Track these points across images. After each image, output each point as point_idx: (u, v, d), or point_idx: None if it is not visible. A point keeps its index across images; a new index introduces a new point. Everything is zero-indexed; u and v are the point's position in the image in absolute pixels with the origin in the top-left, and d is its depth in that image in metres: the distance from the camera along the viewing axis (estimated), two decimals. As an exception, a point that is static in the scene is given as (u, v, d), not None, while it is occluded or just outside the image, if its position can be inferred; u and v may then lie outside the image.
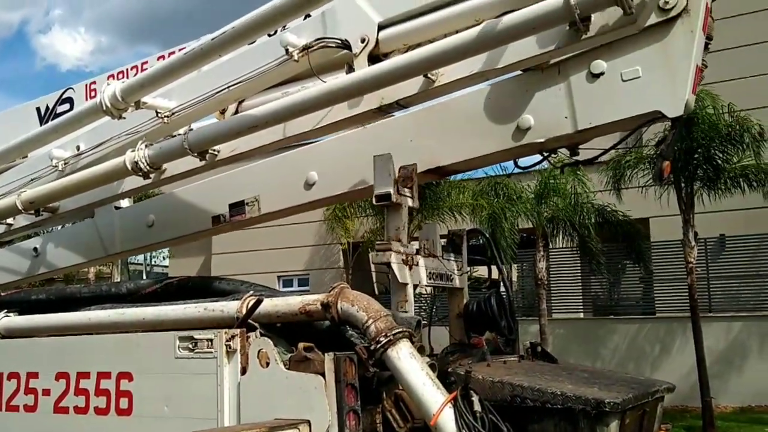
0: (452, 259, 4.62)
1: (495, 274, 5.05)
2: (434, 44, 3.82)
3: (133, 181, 5.27)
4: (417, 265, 4.16)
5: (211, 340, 3.58)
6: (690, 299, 13.42)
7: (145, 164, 4.77)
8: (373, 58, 4.16)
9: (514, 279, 18.30)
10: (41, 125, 6.13)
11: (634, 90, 3.82)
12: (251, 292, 3.96)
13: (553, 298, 17.34)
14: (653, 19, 3.64)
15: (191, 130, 4.78)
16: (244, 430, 3.03)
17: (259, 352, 3.49)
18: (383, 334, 3.34)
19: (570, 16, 3.44)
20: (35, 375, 4.23)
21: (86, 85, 5.92)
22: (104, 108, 4.67)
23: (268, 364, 3.45)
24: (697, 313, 13.33)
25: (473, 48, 3.73)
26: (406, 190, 4.15)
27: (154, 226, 5.69)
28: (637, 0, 3.47)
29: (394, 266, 3.97)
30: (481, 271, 5.11)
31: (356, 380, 3.30)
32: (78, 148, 5.46)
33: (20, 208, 5.43)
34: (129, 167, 4.82)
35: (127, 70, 5.70)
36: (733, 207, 14.47)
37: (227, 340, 3.55)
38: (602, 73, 3.89)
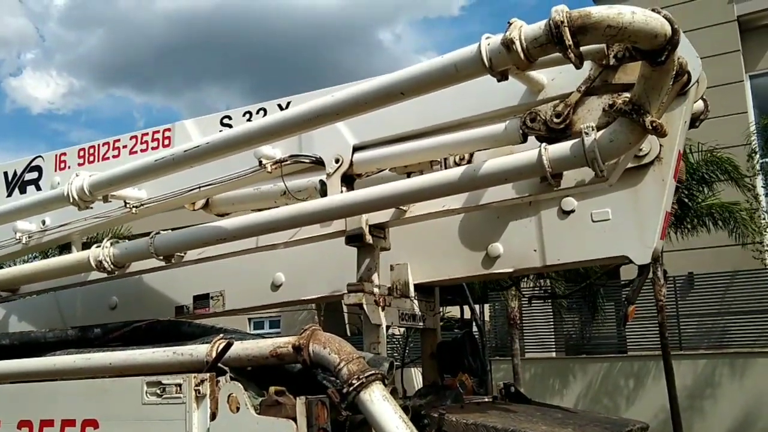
0: (424, 299, 4.61)
1: (467, 315, 5.07)
2: (409, 180, 3.84)
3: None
4: (389, 306, 4.14)
5: (180, 385, 3.50)
6: (661, 337, 13.51)
7: (110, 263, 4.78)
8: (346, 177, 4.17)
9: (487, 319, 18.33)
10: (7, 190, 6.03)
11: (603, 232, 3.92)
12: (221, 335, 3.91)
13: (525, 337, 17.36)
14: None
15: (158, 233, 4.73)
16: (214, 478, 2.95)
17: (229, 396, 3.42)
18: (356, 376, 3.29)
19: (542, 172, 3.41)
20: (-3, 423, 4.10)
21: (56, 156, 5.79)
22: (71, 200, 4.63)
23: (238, 408, 3.37)
24: (668, 351, 13.40)
25: (447, 189, 3.71)
26: (379, 231, 4.16)
27: (117, 309, 5.65)
28: (609, 162, 3.40)
29: (366, 307, 3.95)
30: (454, 312, 5.14)
31: (328, 424, 3.24)
32: (44, 222, 5.40)
33: None
34: (93, 264, 4.82)
35: (98, 145, 5.59)
36: (700, 245, 14.68)
37: (196, 385, 3.47)
38: (573, 211, 4.01)
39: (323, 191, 4.18)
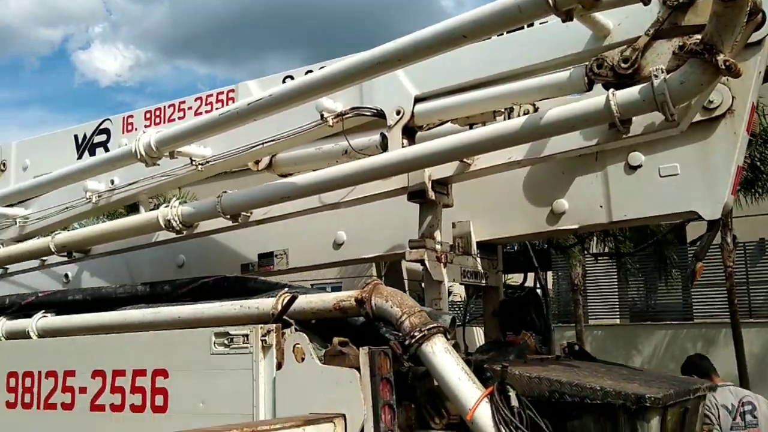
0: (487, 257, 4.58)
1: (529, 284, 5.01)
2: (473, 132, 3.77)
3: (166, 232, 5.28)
4: (451, 262, 4.13)
5: (247, 336, 3.58)
6: (729, 304, 13.16)
7: (178, 222, 4.87)
8: (408, 130, 4.12)
9: (550, 286, 18.15)
10: (78, 153, 6.21)
11: (671, 187, 3.79)
12: (286, 289, 3.97)
13: (589, 303, 17.14)
14: (696, 117, 3.56)
15: (225, 192, 4.80)
16: (281, 424, 3.01)
17: (294, 347, 3.47)
18: (417, 329, 3.31)
19: (610, 119, 3.32)
20: (72, 373, 4.26)
21: (124, 118, 5.96)
22: (138, 156, 4.71)
23: (303, 359, 3.43)
24: (737, 318, 13.06)
25: (511, 139, 3.64)
26: (441, 187, 4.13)
27: (184, 267, 5.76)
28: (680, 106, 3.28)
29: (428, 263, 3.95)
30: (516, 279, 5.10)
31: (391, 374, 3.27)
32: (112, 182, 5.52)
33: (53, 250, 5.51)
34: (162, 223, 4.92)
35: (164, 107, 5.71)
36: (772, 210, 14.19)
37: (263, 336, 3.54)
38: (640, 166, 3.89)
39: (384, 145, 4.16)
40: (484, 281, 4.48)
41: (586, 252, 6.27)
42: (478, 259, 4.43)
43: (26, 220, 6.25)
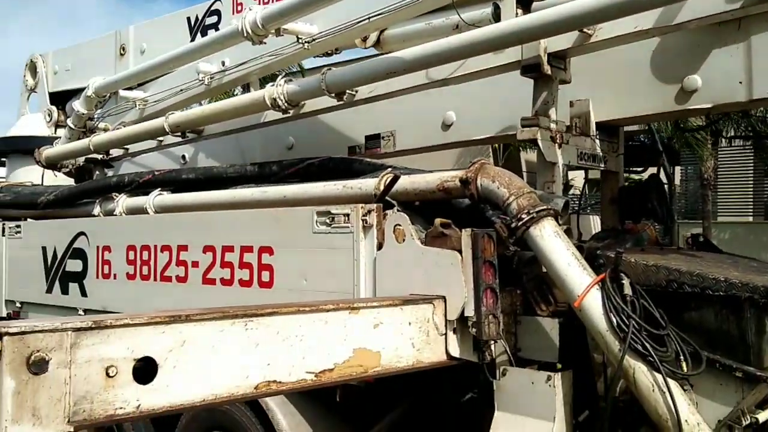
0: (607, 139, 4.25)
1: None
2: None
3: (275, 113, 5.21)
4: (567, 143, 3.85)
5: (348, 215, 3.50)
6: None
7: (283, 101, 4.76)
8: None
9: (677, 182, 17.24)
10: (191, 35, 6.21)
11: None
12: (389, 169, 3.85)
13: (719, 199, 16.19)
14: None
15: (329, 69, 4.62)
16: (378, 302, 2.95)
17: (395, 227, 3.37)
18: (525, 211, 3.10)
19: None
20: (185, 248, 4.38)
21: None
22: (244, 34, 4.59)
23: (404, 239, 3.33)
24: None
25: (638, 4, 3.20)
26: (558, 61, 3.80)
27: (293, 149, 5.71)
28: None
29: (541, 143, 3.69)
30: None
31: (495, 258, 3.11)
32: (223, 63, 5.47)
33: (167, 130, 5.58)
34: (268, 102, 4.82)
35: None
36: None
37: (363, 215, 3.46)
38: None
39: (497, 15, 3.86)
40: (602, 165, 4.17)
41: (720, 134, 5.72)
42: (597, 141, 4.12)
43: (145, 103, 6.40)
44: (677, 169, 16.55)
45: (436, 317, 3.11)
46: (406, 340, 2.98)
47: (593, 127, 4.06)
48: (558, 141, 3.75)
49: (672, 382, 2.78)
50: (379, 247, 3.42)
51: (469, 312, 3.07)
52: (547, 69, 3.68)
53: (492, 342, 3.18)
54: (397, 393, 3.74)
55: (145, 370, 2.18)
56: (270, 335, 2.48)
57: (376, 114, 5.13)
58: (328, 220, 3.59)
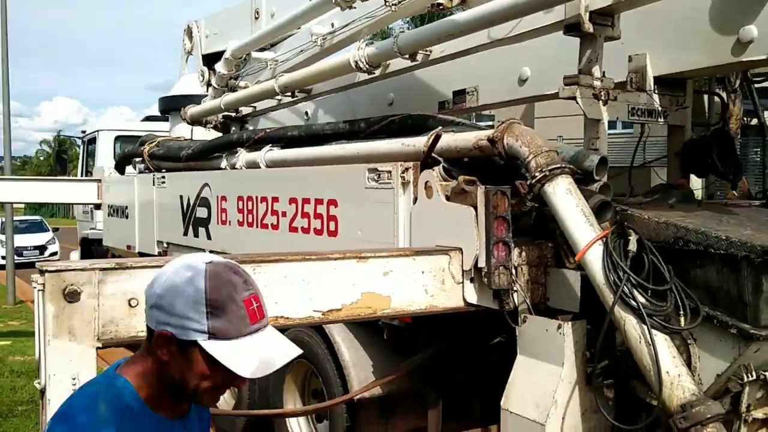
0: (670, 93, 4.20)
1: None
2: None
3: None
4: (614, 99, 3.88)
5: (390, 172, 3.85)
6: None
7: (365, 63, 5.13)
8: None
9: None
10: None
11: None
12: (440, 128, 4.11)
13: None
14: None
15: (402, 32, 4.92)
16: (387, 252, 3.29)
17: (426, 183, 3.68)
18: (539, 169, 3.29)
19: None
20: (276, 199, 4.94)
21: None
22: (335, 0, 4.95)
23: (432, 195, 3.63)
24: None
25: None
26: (604, 18, 3.82)
27: (393, 105, 6.03)
28: None
29: (581, 101, 3.75)
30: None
31: (508, 213, 3.33)
32: (332, 25, 5.88)
33: (278, 91, 6.12)
34: (353, 65, 5.21)
35: None
36: None
37: (402, 172, 3.79)
38: None
39: None
40: (662, 119, 4.14)
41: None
42: (655, 96, 4.09)
43: (276, 63, 7.01)
44: None
45: (452, 267, 3.40)
46: (419, 286, 3.31)
47: (650, 81, 4.03)
48: (603, 98, 3.80)
49: (660, 336, 2.89)
50: (415, 201, 3.74)
51: (482, 263, 3.33)
52: (589, 27, 3.72)
53: (512, 291, 3.42)
54: (435, 333, 4.08)
55: (163, 303, 2.71)
56: (277, 278, 2.92)
57: (462, 70, 5.34)
58: (375, 177, 3.96)
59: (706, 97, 4.68)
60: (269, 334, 1.63)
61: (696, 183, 5.02)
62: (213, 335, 1.54)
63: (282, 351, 1.63)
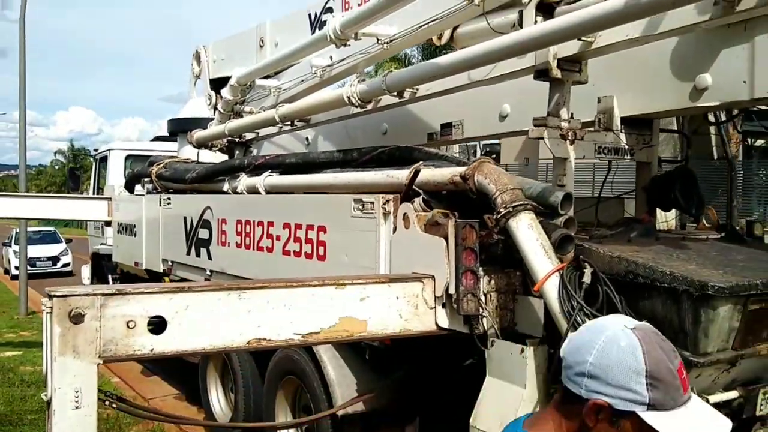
0: (636, 132, 4.50)
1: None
2: (585, 10, 3.57)
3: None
4: (580, 139, 4.19)
5: (373, 203, 4.17)
6: None
7: (356, 98, 5.47)
8: (543, 6, 4.07)
9: None
10: (311, 30, 6.95)
11: None
12: (421, 162, 4.42)
13: None
14: None
15: (390, 71, 5.26)
16: (364, 279, 3.60)
17: (404, 215, 3.99)
18: (504, 206, 3.60)
19: None
20: (271, 224, 5.27)
21: None
22: (329, 39, 5.29)
23: (409, 226, 3.94)
24: None
25: (618, 18, 3.41)
26: (571, 64, 4.14)
27: (387, 134, 6.37)
28: None
29: (548, 141, 4.07)
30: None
31: (476, 245, 3.63)
32: (331, 58, 6.20)
33: (278, 120, 6.47)
34: (346, 99, 5.55)
35: None
36: None
37: (383, 204, 4.11)
38: None
39: (520, 22, 4.24)
40: (628, 157, 4.45)
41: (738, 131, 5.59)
42: (622, 135, 4.39)
43: (279, 90, 7.36)
44: None
45: (425, 293, 3.71)
46: (394, 311, 3.62)
47: (617, 121, 4.34)
48: (570, 138, 4.11)
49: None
50: (394, 230, 4.06)
51: (452, 289, 3.64)
52: (557, 73, 4.04)
53: (481, 316, 3.72)
54: (412, 354, 4.39)
55: (158, 325, 3.04)
56: (260, 304, 3.24)
57: (450, 105, 5.67)
58: (360, 207, 4.29)
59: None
60: (697, 404, 1.63)
61: (671, 213, 5.32)
62: (652, 407, 1.56)
63: (717, 422, 1.62)
